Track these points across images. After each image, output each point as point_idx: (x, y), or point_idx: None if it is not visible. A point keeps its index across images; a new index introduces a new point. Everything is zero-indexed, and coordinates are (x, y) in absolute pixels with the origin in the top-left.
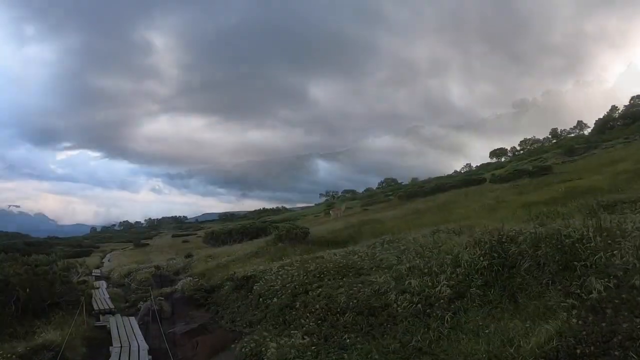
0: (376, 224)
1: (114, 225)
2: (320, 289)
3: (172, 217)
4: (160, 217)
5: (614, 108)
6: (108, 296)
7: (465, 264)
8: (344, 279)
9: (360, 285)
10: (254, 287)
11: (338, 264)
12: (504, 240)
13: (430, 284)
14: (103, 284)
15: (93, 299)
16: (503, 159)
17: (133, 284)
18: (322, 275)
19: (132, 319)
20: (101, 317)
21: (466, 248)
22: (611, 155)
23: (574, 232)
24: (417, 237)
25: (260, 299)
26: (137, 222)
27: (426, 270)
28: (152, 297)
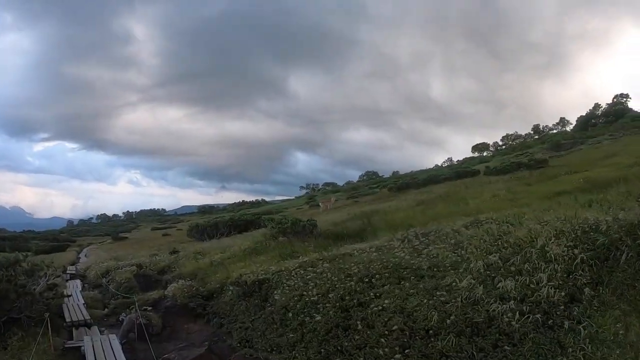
0: (383, 216)
1: (92, 218)
2: (382, 300)
3: (150, 209)
4: (138, 209)
5: (596, 105)
6: (83, 301)
7: (559, 258)
8: (404, 283)
9: (440, 292)
10: (274, 296)
11: (385, 263)
12: (586, 229)
13: (531, 286)
14: (78, 284)
15: (65, 305)
16: (485, 154)
17: (112, 285)
18: (372, 280)
19: (113, 336)
20: (74, 332)
21: (551, 239)
22: (602, 150)
23: None
24: (460, 229)
25: (289, 313)
26: (115, 215)
27: (513, 269)
28: (136, 305)
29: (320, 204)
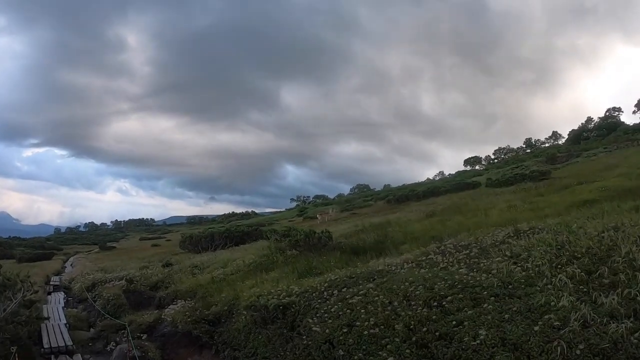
0: (398, 227)
1: (79, 226)
2: (469, 329)
3: (139, 219)
4: (127, 219)
5: (589, 119)
6: (65, 321)
7: None
8: (486, 306)
9: (541, 315)
10: (310, 325)
11: (450, 282)
12: None
13: (638, 299)
14: (60, 299)
15: (45, 326)
16: (477, 167)
17: (99, 302)
18: (442, 304)
19: None
20: None
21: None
22: (601, 162)
23: None
24: (505, 240)
25: (339, 351)
26: (102, 224)
27: (606, 282)
28: (128, 332)
29: (317, 216)
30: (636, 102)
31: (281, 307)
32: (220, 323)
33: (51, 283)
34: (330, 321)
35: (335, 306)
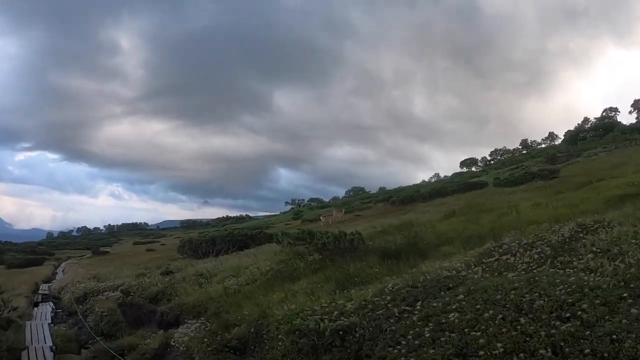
0: (422, 228)
1: (72, 230)
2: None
3: (132, 223)
4: (119, 223)
5: (585, 119)
6: (51, 343)
7: None
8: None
9: None
10: (390, 356)
11: (566, 287)
12: None
13: None
14: (48, 313)
15: (27, 351)
16: (474, 168)
17: (91, 317)
18: (577, 313)
19: None
20: None
21: None
22: (605, 161)
23: None
24: (574, 236)
25: None
26: (95, 228)
27: None
28: None
29: (321, 218)
30: (632, 102)
31: (338, 332)
32: (248, 350)
33: (40, 292)
34: (424, 349)
35: (426, 327)
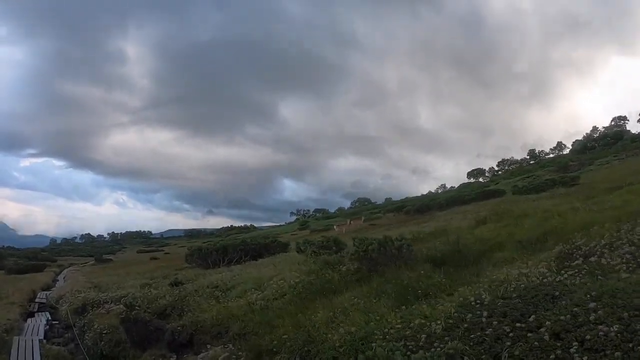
0: (458, 235)
1: (75, 237)
2: None
3: (136, 231)
4: (123, 231)
5: (594, 129)
6: None
7: None
8: None
9: None
10: None
11: None
12: None
13: None
14: (41, 326)
15: None
16: (481, 179)
17: (89, 335)
18: None
19: None
20: None
21: None
22: (623, 168)
23: None
24: None
25: None
26: (99, 236)
27: None
28: None
29: (335, 227)
30: None
31: None
32: None
33: (36, 300)
34: None
35: (571, 349)
